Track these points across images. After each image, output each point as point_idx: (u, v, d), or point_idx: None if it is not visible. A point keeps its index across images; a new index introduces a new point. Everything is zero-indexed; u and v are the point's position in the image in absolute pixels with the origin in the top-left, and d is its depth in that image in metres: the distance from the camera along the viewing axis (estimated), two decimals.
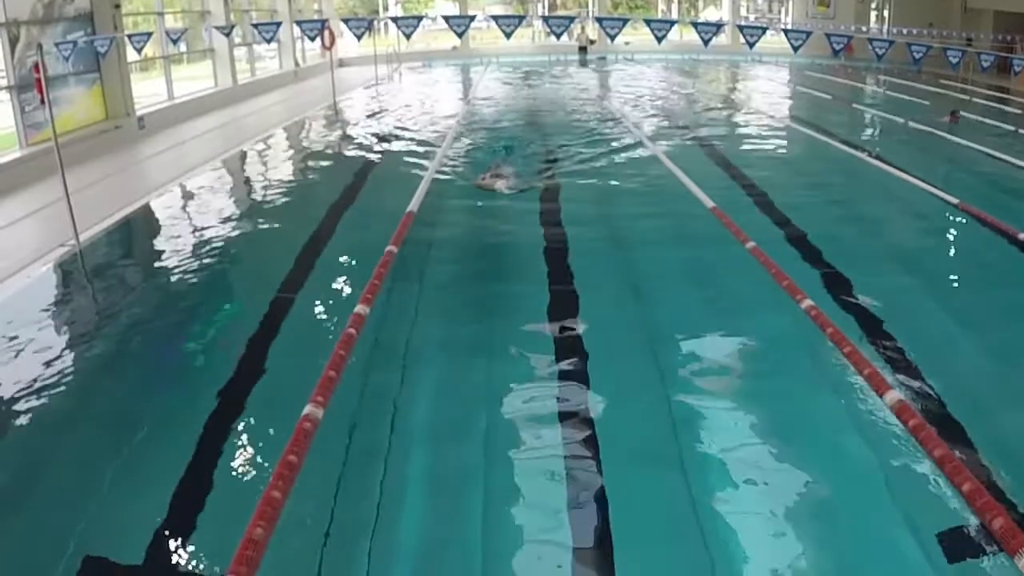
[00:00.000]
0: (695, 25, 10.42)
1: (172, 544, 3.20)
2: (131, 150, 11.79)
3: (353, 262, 6.60)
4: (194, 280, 6.27)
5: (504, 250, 6.90)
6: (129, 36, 11.36)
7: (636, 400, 4.31)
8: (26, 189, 9.08)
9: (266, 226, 7.82)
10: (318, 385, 3.69)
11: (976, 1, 22.92)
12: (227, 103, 16.72)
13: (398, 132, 12.82)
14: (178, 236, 7.49)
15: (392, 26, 18.31)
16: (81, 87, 11.96)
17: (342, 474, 3.63)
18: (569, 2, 33.93)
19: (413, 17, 13.71)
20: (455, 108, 16.00)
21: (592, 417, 4.06)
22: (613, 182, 9.24)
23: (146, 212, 8.35)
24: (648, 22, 10.94)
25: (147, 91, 14.87)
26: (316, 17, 22.77)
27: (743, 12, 32.60)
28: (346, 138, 12.68)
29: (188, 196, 9.10)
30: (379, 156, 11.11)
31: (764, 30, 9.54)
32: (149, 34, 11.77)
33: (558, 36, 10.99)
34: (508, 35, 10.91)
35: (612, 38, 10.42)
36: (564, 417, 4.08)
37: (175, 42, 13.49)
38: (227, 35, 14.78)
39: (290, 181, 9.99)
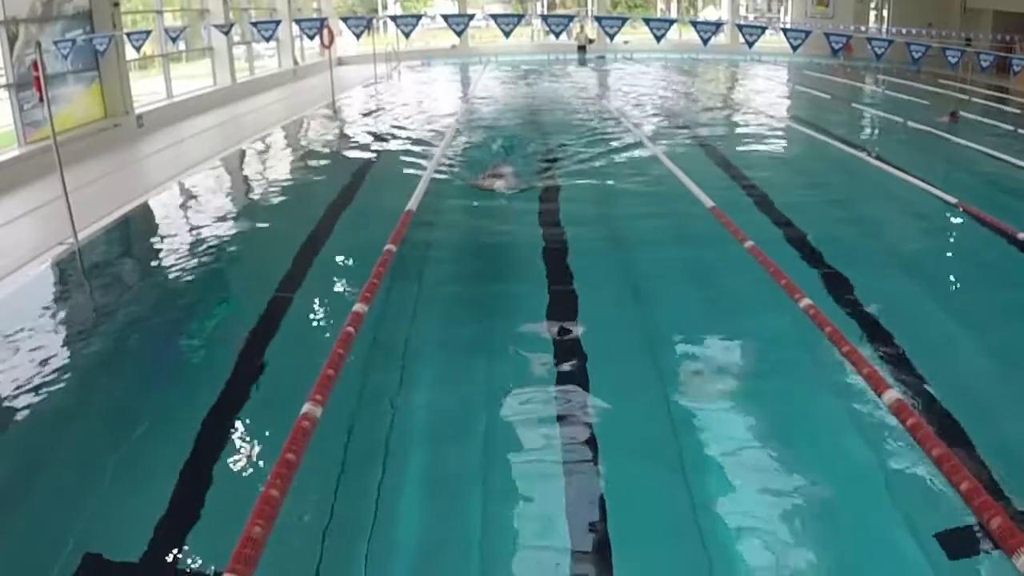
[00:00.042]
0: (694, 24, 10.44)
1: (171, 542, 3.19)
2: (130, 148, 11.78)
3: (352, 261, 6.59)
4: (192, 278, 6.27)
5: (503, 250, 6.90)
6: (128, 34, 11.36)
7: (635, 400, 4.31)
8: (25, 187, 9.08)
9: (264, 224, 7.81)
10: (316, 384, 3.70)
11: (975, 1, 22.94)
12: (226, 101, 16.71)
13: (397, 131, 12.81)
14: (176, 234, 7.49)
15: (391, 25, 18.28)
16: (80, 85, 11.94)
17: (340, 473, 3.63)
18: (568, 1, 33.93)
19: (412, 16, 13.73)
20: (454, 107, 16.00)
21: (591, 417, 4.05)
22: (612, 182, 9.23)
23: (145, 210, 8.35)
24: (647, 21, 10.94)
25: (146, 89, 14.88)
26: (315, 16, 22.76)
27: (742, 11, 32.64)
28: (345, 137, 12.68)
29: (187, 194, 9.09)
30: (378, 155, 11.10)
31: (763, 29, 9.56)
32: (148, 32, 11.74)
33: (557, 35, 10.94)
34: (507, 34, 10.90)
35: (611, 37, 10.42)
36: (563, 417, 4.08)
37: (174, 40, 13.50)
38: (226, 33, 14.78)
39: (289, 180, 9.97)
